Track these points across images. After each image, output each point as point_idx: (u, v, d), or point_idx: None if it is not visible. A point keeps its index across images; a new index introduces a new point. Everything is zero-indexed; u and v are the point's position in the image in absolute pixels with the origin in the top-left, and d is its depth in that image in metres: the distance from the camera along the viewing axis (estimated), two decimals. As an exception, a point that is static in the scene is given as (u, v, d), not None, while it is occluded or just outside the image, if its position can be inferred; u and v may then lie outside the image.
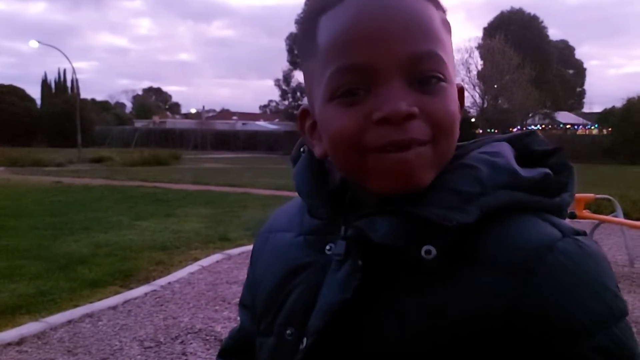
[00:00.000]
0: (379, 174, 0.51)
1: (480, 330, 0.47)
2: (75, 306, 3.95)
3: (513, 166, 0.52)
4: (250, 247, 5.61)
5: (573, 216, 5.67)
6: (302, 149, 0.64)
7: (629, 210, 8.05)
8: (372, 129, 0.50)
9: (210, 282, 4.57)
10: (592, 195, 5.87)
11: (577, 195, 5.72)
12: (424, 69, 0.50)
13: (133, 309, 3.90)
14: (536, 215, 0.51)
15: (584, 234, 0.50)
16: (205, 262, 5.30)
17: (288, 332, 0.58)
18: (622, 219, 5.47)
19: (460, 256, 0.49)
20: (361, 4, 0.51)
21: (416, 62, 0.50)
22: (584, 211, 5.72)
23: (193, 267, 5.06)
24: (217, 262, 5.35)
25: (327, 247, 0.57)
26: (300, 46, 0.58)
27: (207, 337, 3.34)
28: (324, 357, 0.53)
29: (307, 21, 0.56)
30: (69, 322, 3.61)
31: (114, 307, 3.92)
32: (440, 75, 0.51)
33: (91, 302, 4.02)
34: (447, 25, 0.55)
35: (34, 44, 29.29)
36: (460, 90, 0.57)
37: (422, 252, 0.49)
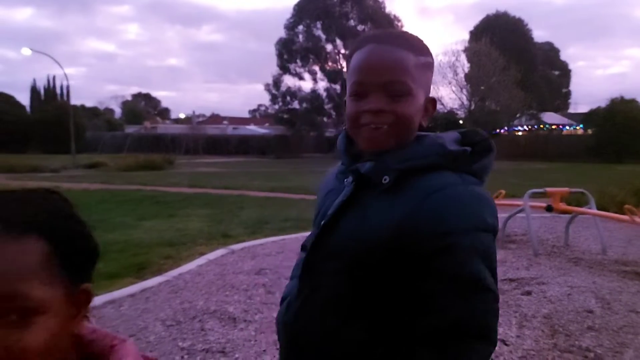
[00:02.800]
0: (363, 139, 1.00)
1: (395, 226, 0.92)
2: (96, 295, 4.31)
3: (444, 143, 0.98)
4: (251, 243, 6.03)
5: (550, 209, 6.15)
6: (343, 129, 1.12)
7: (607, 205, 8.51)
8: (363, 115, 0.99)
9: (218, 273, 4.97)
10: (566, 189, 6.36)
11: (553, 189, 6.25)
12: (394, 88, 0.98)
13: (150, 296, 4.29)
14: (455, 172, 0.96)
15: (479, 185, 0.96)
16: (211, 256, 5.69)
17: (322, 222, 1.04)
18: (594, 211, 5.92)
19: (405, 185, 0.95)
20: (368, 53, 1.01)
21: (390, 84, 0.98)
22: (560, 204, 6.20)
23: (201, 260, 5.45)
24: (222, 255, 5.74)
25: (345, 180, 1.05)
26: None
27: (222, 317, 3.73)
28: (331, 230, 1.01)
29: (350, 53, 1.07)
30: (92, 308, 3.98)
31: (133, 295, 4.30)
32: (405, 92, 0.98)
33: (110, 291, 4.40)
34: (421, 65, 1.01)
35: (26, 51, 29.25)
36: (433, 100, 1.05)
37: (382, 180, 0.96)
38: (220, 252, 5.91)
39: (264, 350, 3.08)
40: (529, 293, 4.28)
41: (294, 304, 1.06)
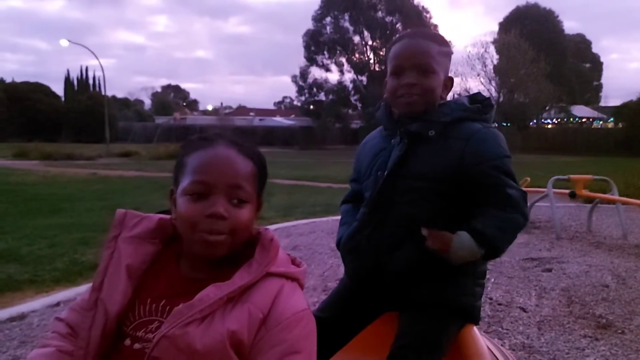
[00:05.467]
0: (402, 106, 1.35)
1: (452, 162, 1.28)
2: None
3: (464, 103, 1.35)
4: (284, 225, 6.39)
5: (573, 194, 6.37)
6: (381, 103, 1.47)
7: (632, 195, 8.64)
8: (400, 88, 1.36)
9: (256, 248, 5.34)
10: (590, 176, 6.55)
11: (577, 176, 6.47)
12: (422, 68, 1.34)
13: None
14: (476, 121, 1.32)
15: (494, 127, 1.31)
16: (248, 234, 6.07)
17: (379, 173, 1.40)
18: (616, 196, 6.11)
19: (446, 135, 1.31)
20: (403, 44, 1.40)
21: (419, 65, 1.33)
22: (583, 190, 6.41)
23: (239, 238, 5.84)
24: (258, 234, 6.12)
25: (392, 140, 1.40)
26: None
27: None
28: (393, 179, 1.35)
29: (389, 47, 1.42)
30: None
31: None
32: (429, 70, 1.34)
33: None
34: (442, 52, 1.37)
35: (64, 42, 30.42)
36: (451, 79, 1.40)
37: (429, 133, 1.31)
38: (256, 231, 6.29)
39: (304, 310, 3.44)
40: (549, 270, 4.54)
41: (364, 231, 1.43)
